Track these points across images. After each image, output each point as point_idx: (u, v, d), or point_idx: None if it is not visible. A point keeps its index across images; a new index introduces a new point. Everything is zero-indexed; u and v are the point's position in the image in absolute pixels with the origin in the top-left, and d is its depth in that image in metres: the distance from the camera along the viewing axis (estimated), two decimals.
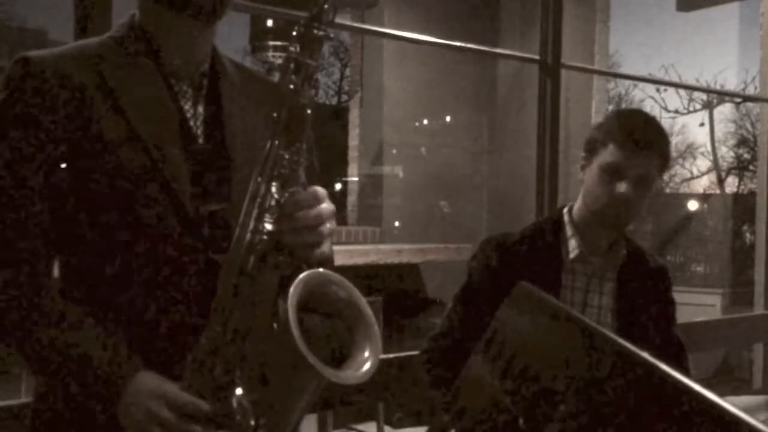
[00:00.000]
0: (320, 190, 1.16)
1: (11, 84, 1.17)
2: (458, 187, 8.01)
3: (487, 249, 1.90)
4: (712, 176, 19.41)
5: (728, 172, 19.43)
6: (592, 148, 1.81)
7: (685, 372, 1.49)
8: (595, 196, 1.79)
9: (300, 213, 1.13)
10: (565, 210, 1.91)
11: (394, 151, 8.03)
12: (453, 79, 7.78)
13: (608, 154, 1.76)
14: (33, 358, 1.15)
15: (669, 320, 1.95)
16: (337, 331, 1.14)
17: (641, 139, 1.75)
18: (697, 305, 8.38)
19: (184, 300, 1.17)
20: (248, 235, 1.11)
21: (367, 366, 1.11)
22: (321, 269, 1.14)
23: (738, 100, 18.35)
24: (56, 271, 1.21)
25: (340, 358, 1.13)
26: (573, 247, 1.85)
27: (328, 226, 1.16)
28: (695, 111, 19.40)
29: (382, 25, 7.20)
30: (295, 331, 1.04)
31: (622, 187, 1.74)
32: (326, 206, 1.16)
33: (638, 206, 1.78)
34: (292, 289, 1.07)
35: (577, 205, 1.88)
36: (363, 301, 1.15)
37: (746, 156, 18.92)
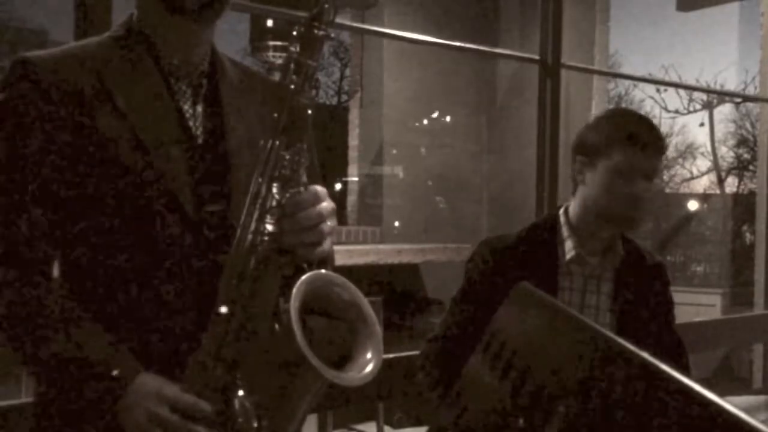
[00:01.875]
0: (320, 189, 1.16)
1: (10, 85, 1.16)
2: (458, 187, 8.02)
3: (483, 251, 1.90)
4: (712, 176, 19.43)
5: (728, 172, 19.44)
6: (594, 153, 1.81)
7: (685, 371, 1.49)
8: (610, 200, 1.78)
9: (301, 213, 1.13)
10: (561, 211, 1.91)
11: (394, 151, 8.04)
12: (453, 79, 7.79)
13: (618, 156, 1.77)
14: (33, 359, 1.14)
15: (668, 319, 1.95)
16: (339, 333, 1.14)
17: (646, 137, 1.78)
18: (697, 305, 8.39)
19: (185, 301, 1.17)
20: (249, 236, 1.11)
21: (369, 367, 1.11)
22: (323, 270, 1.14)
23: (738, 100, 18.37)
24: (56, 272, 1.21)
25: (342, 360, 1.12)
26: (569, 248, 1.85)
27: (329, 224, 1.16)
28: (695, 111, 19.43)
29: (382, 25, 7.20)
30: (298, 333, 1.04)
31: (638, 186, 1.77)
32: (326, 205, 1.16)
33: (652, 203, 1.81)
34: (294, 290, 1.07)
35: (574, 208, 1.87)
36: (365, 303, 1.15)
37: (746, 156, 18.93)
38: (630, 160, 1.76)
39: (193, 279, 1.17)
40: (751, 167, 17.99)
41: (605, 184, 1.79)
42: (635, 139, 1.77)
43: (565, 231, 1.87)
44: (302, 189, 1.14)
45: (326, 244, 1.18)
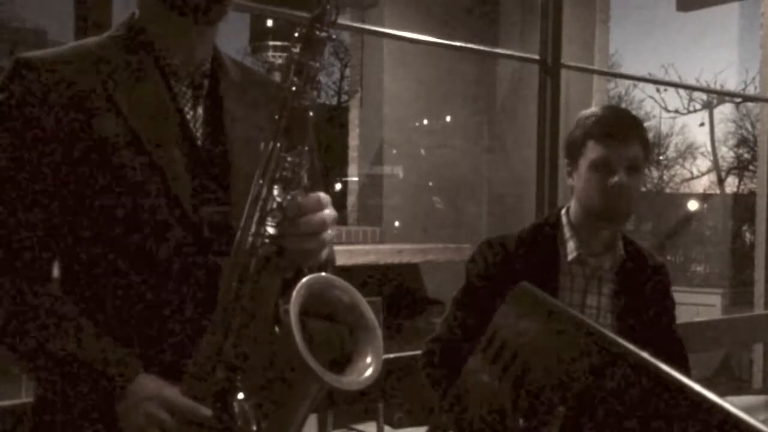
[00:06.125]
0: (324, 196, 1.15)
1: (8, 86, 1.16)
2: (458, 187, 8.01)
3: (485, 251, 1.90)
4: (712, 176, 19.44)
5: (728, 172, 19.44)
6: (573, 152, 1.84)
7: (685, 371, 1.49)
8: (590, 195, 1.80)
9: (304, 218, 1.12)
10: (563, 212, 1.91)
11: (394, 151, 8.02)
12: (453, 79, 7.78)
13: (591, 152, 1.79)
14: (32, 361, 1.14)
15: (668, 319, 1.95)
16: (339, 336, 1.14)
17: (618, 129, 1.79)
18: (697, 305, 8.38)
19: (185, 303, 1.17)
20: (250, 238, 1.10)
21: (369, 371, 1.11)
22: (323, 273, 1.14)
23: (738, 100, 18.37)
24: (56, 272, 1.21)
25: (342, 363, 1.12)
26: (571, 248, 1.85)
27: (330, 232, 1.15)
28: (695, 111, 19.45)
29: (382, 25, 7.19)
30: (297, 336, 1.04)
31: (614, 178, 1.76)
32: (329, 212, 1.15)
33: (634, 195, 1.80)
34: (294, 292, 1.07)
35: (573, 208, 1.88)
36: (365, 306, 1.14)
37: (746, 156, 18.93)
38: (602, 153, 1.77)
39: (193, 281, 1.17)
40: (751, 167, 17.98)
41: (585, 179, 1.80)
42: (605, 131, 1.78)
43: (567, 231, 1.87)
44: (303, 192, 1.14)
45: (325, 252, 1.18)
